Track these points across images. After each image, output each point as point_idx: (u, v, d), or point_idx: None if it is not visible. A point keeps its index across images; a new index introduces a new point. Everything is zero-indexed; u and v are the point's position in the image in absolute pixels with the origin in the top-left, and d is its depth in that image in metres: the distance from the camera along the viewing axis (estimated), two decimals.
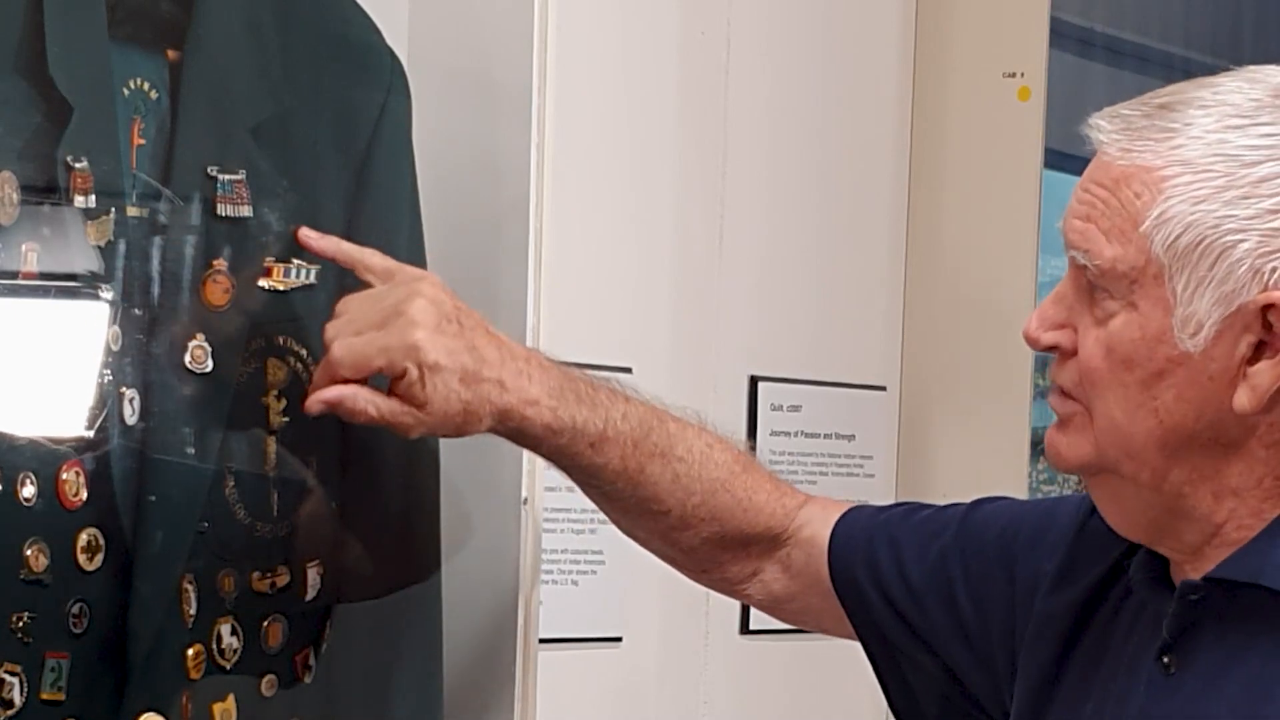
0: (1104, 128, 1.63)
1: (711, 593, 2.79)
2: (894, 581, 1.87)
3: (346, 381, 1.78)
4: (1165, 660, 1.62)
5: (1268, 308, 1.56)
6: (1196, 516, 1.62)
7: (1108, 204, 1.61)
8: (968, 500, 1.94)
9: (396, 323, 1.78)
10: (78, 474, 1.67)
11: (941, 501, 2.57)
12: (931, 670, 1.87)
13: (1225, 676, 1.59)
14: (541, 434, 1.83)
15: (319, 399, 1.79)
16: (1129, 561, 1.71)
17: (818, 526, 1.93)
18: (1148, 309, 1.59)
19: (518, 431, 1.84)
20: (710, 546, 1.94)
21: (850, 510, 1.95)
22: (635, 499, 1.90)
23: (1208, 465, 1.61)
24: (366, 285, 1.85)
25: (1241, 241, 1.56)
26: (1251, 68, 1.63)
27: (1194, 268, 1.57)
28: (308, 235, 1.82)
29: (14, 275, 1.64)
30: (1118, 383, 1.60)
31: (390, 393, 1.79)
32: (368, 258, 1.84)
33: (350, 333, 1.78)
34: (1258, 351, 1.57)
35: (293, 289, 1.83)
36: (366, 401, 1.78)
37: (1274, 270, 1.55)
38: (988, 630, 1.82)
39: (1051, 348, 1.66)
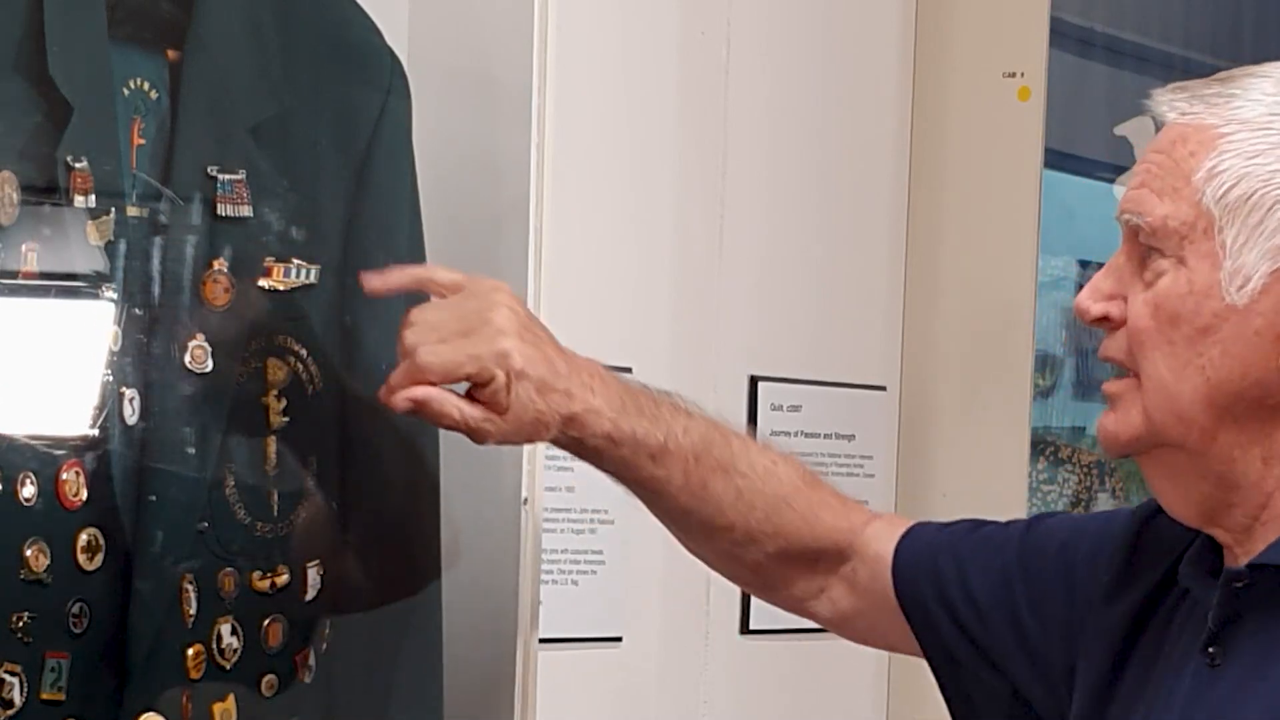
0: (1165, 97, 1.67)
1: (711, 592, 2.80)
2: (959, 600, 1.87)
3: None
4: (1211, 651, 1.62)
5: None
6: (1247, 485, 1.62)
7: (1161, 165, 1.64)
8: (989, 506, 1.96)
9: (484, 331, 1.78)
10: (78, 474, 1.67)
11: (940, 500, 2.57)
12: (995, 688, 1.87)
13: (1269, 663, 1.59)
14: (602, 444, 1.84)
15: (408, 395, 1.77)
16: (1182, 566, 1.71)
17: (884, 543, 1.93)
18: (1196, 263, 1.61)
19: (578, 441, 1.84)
20: (776, 563, 1.94)
21: (914, 526, 1.95)
22: (699, 515, 1.90)
23: (1256, 428, 1.61)
24: (360, 285, 1.85)
25: None
26: None
27: (1244, 220, 1.59)
28: (370, 280, 1.82)
29: (14, 275, 1.64)
30: (1165, 340, 1.62)
31: (469, 399, 1.79)
32: (435, 274, 1.84)
33: (434, 340, 1.78)
34: None
35: (293, 289, 1.83)
36: (452, 405, 1.78)
37: None
38: (1050, 646, 1.82)
39: (1102, 319, 1.67)
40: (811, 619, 2.01)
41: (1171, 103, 1.65)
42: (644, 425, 1.86)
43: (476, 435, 1.80)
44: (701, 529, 1.92)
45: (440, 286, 1.83)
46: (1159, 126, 1.67)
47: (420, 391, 1.77)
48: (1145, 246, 1.63)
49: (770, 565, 1.94)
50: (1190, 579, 1.68)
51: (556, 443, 1.85)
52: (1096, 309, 1.67)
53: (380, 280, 1.82)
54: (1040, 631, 1.83)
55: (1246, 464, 1.62)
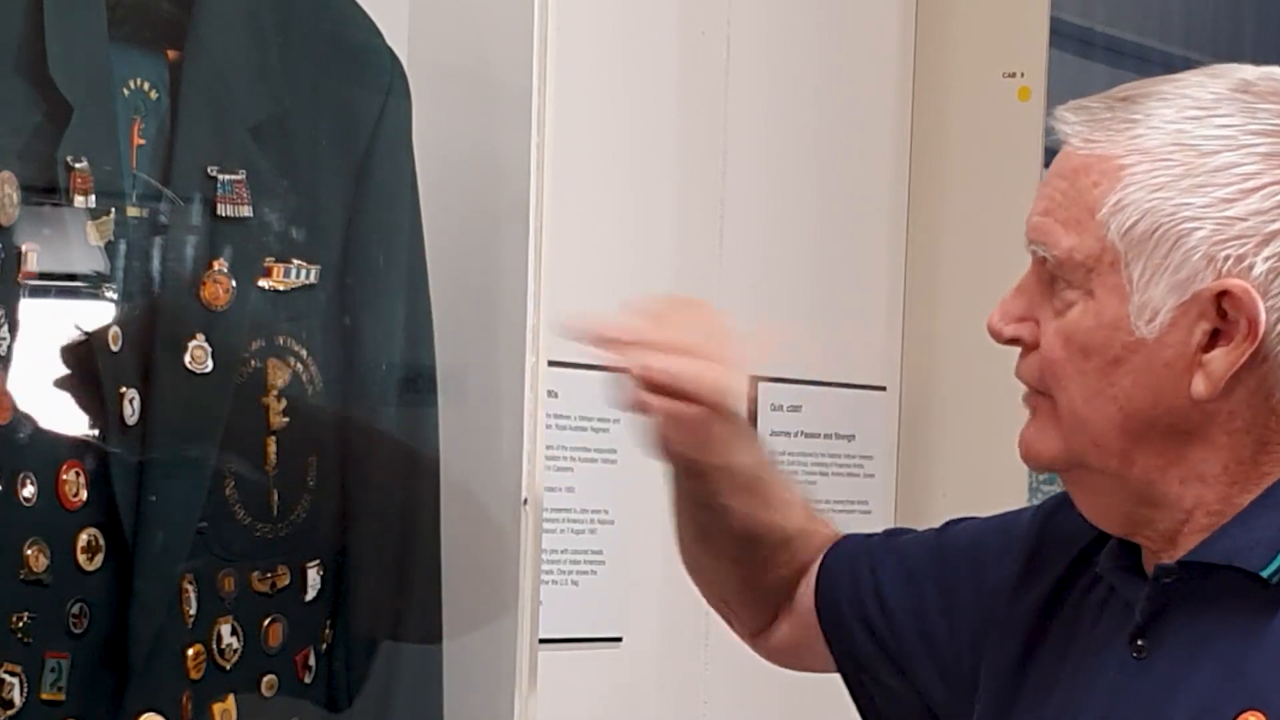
0: (1068, 119, 1.65)
1: None
2: (870, 603, 1.88)
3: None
4: (1139, 644, 1.63)
5: (1222, 295, 1.57)
6: (1166, 503, 1.63)
7: (1066, 195, 1.63)
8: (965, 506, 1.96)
9: (723, 360, 1.79)
10: (78, 474, 1.67)
11: (940, 500, 2.56)
12: (901, 694, 1.88)
13: (1199, 656, 1.61)
14: (719, 475, 1.84)
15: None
16: (1095, 557, 1.73)
17: (812, 555, 1.94)
18: (1104, 296, 1.60)
19: (701, 475, 1.84)
20: (774, 592, 1.94)
21: (842, 539, 1.96)
22: (742, 536, 1.89)
23: (1171, 451, 1.62)
24: (371, 288, 1.85)
25: (1197, 229, 1.56)
26: (1217, 65, 1.65)
27: (1150, 255, 1.58)
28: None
29: (14, 275, 1.64)
30: (1077, 371, 1.62)
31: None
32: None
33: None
34: (1213, 339, 1.58)
35: (293, 289, 1.83)
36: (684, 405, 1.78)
37: (1228, 258, 1.56)
38: (958, 648, 1.83)
39: (1013, 340, 1.68)
40: (763, 653, 2.00)
41: (1074, 127, 1.63)
42: (746, 458, 1.86)
43: (667, 441, 1.80)
44: (736, 550, 1.91)
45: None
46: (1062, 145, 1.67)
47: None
48: (1052, 274, 1.64)
49: (773, 592, 1.94)
50: (1112, 574, 1.69)
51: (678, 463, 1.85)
52: (1008, 331, 1.68)
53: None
54: (949, 634, 1.84)
55: (1165, 485, 1.63)
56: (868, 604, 1.89)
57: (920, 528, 1.97)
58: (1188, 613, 1.62)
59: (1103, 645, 1.68)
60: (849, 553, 1.93)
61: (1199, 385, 1.58)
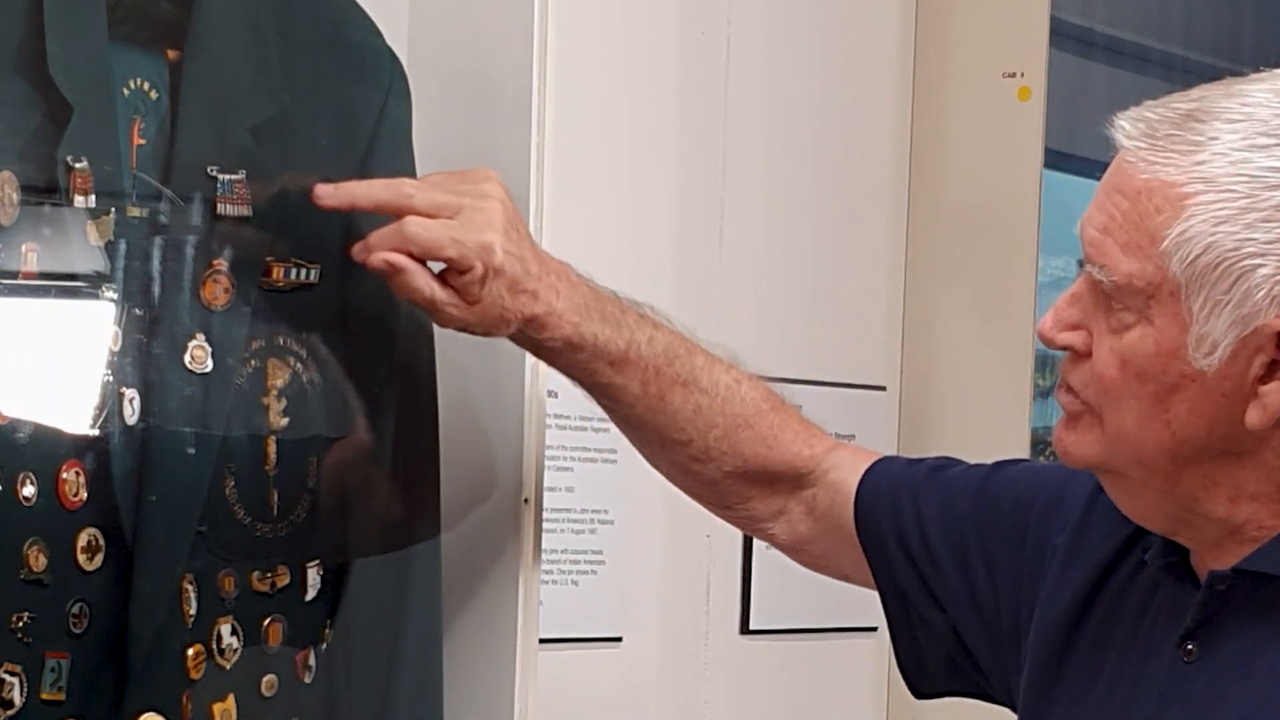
0: (1128, 130, 1.62)
1: (711, 592, 2.80)
2: (914, 537, 1.88)
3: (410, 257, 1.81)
4: (1188, 648, 1.63)
5: None
6: (1214, 518, 1.63)
7: (1127, 216, 1.60)
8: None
9: (474, 219, 1.80)
10: (78, 474, 1.67)
11: None
12: (941, 630, 1.88)
13: (1250, 665, 1.60)
14: (560, 346, 1.86)
15: (385, 257, 1.79)
16: (1143, 542, 1.72)
17: (845, 472, 1.95)
18: (1163, 325, 1.59)
19: (537, 342, 1.86)
20: (732, 481, 1.95)
21: (881, 460, 1.96)
22: (655, 426, 1.92)
23: (1220, 472, 1.61)
24: (372, 287, 1.85)
25: (1261, 266, 1.55)
26: None
27: (1212, 288, 1.57)
28: (324, 191, 1.82)
29: (14, 275, 1.64)
30: (1130, 394, 1.61)
31: (444, 282, 1.81)
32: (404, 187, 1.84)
33: (425, 213, 1.81)
34: (1270, 370, 1.58)
35: (293, 289, 1.83)
36: (424, 281, 1.80)
37: None
38: (996, 597, 1.84)
39: (1065, 348, 1.66)
40: (768, 541, 2.03)
41: (1135, 142, 1.60)
42: (606, 332, 1.88)
43: (439, 317, 1.83)
44: (657, 440, 1.94)
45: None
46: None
47: (400, 259, 1.80)
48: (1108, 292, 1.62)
49: (726, 483, 1.96)
50: (1160, 572, 1.69)
51: (515, 340, 1.87)
52: (1062, 339, 1.66)
53: (330, 198, 1.83)
54: (989, 583, 1.84)
55: (1212, 502, 1.63)
56: (911, 537, 1.89)
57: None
58: (1239, 620, 1.62)
59: (1150, 642, 1.68)
60: (890, 478, 1.93)
61: (1254, 416, 1.58)
